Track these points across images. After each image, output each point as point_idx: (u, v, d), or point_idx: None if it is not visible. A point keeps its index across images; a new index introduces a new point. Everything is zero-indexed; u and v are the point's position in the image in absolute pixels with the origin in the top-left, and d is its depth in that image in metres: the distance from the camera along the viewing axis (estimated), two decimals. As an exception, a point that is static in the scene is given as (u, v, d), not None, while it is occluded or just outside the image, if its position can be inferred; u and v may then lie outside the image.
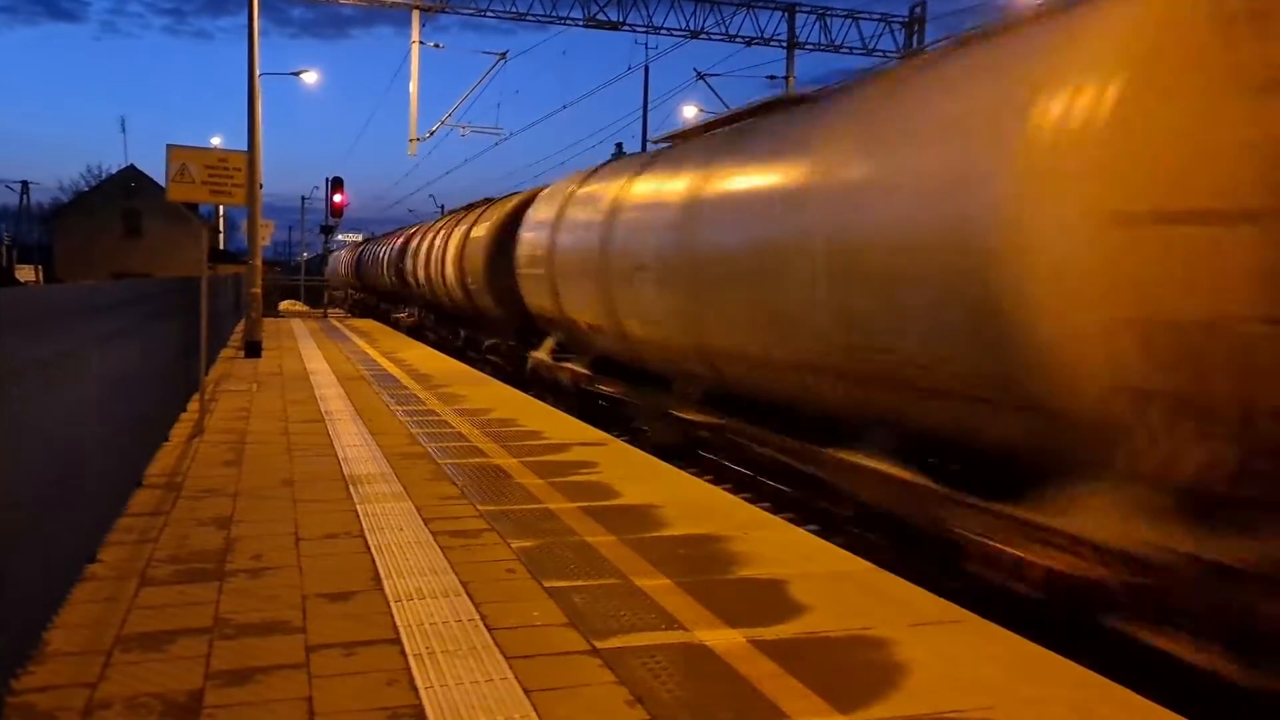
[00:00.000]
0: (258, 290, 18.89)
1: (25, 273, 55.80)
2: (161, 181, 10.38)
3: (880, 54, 27.13)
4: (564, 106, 29.75)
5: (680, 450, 10.63)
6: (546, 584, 5.00)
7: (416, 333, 28.28)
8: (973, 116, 5.85)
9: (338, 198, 29.49)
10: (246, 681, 3.76)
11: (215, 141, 41.07)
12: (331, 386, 13.36)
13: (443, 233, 24.97)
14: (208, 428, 9.63)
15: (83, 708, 3.51)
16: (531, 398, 12.89)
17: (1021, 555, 5.38)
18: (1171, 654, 4.61)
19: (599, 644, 4.21)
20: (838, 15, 27.27)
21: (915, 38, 26.91)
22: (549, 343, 15.33)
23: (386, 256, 37.94)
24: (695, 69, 28.52)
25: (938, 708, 3.66)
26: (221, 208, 47.44)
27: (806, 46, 27.22)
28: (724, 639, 4.28)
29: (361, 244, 57.15)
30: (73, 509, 4.81)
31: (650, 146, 30.30)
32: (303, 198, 55.30)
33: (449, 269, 22.68)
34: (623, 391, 12.51)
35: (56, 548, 4.47)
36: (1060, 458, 5.37)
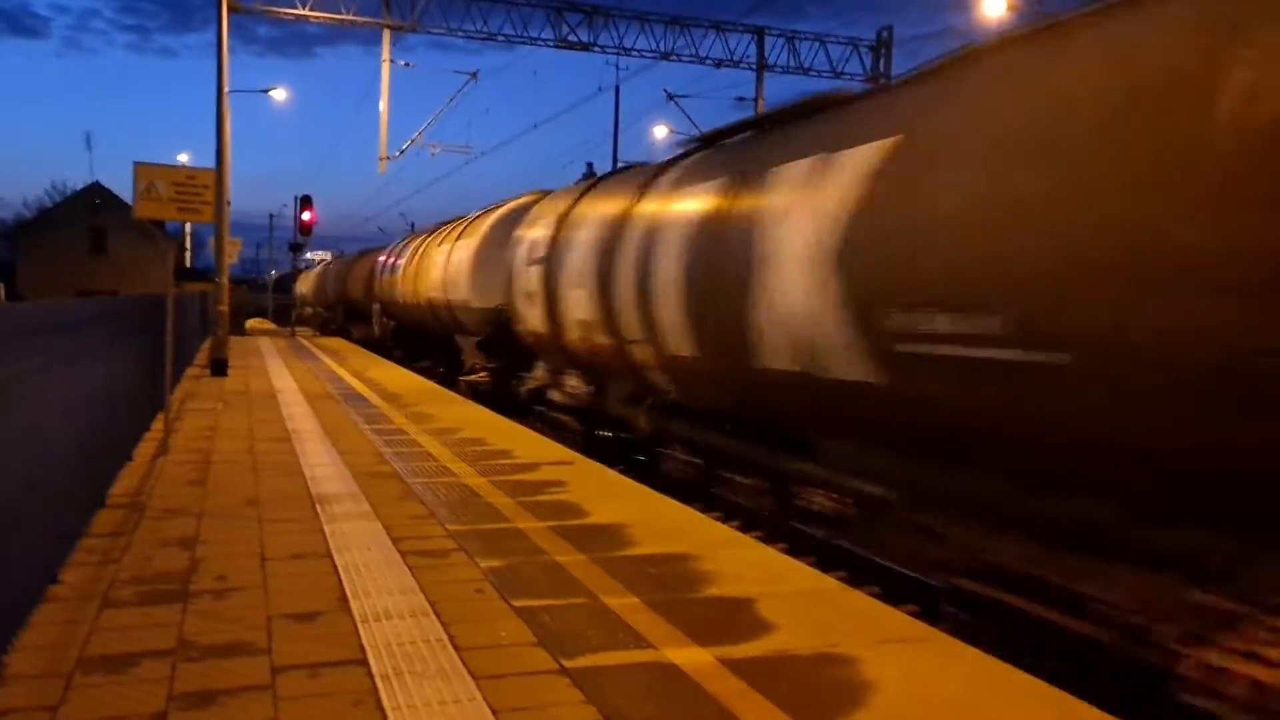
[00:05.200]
0: (224, 308, 18.74)
1: (-13, 290, 54.94)
2: (128, 198, 10.30)
3: (848, 77, 27.44)
4: (534, 126, 29.74)
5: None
6: (515, 603, 4.99)
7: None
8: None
9: (306, 215, 29.33)
10: (210, 704, 3.72)
11: (183, 158, 40.77)
12: (299, 405, 13.25)
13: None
14: (172, 447, 9.52)
15: (42, 731, 3.46)
16: (500, 416, 12.84)
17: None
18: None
19: (568, 663, 4.20)
20: (806, 38, 27.55)
21: (882, 61, 27.26)
22: None
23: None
24: (665, 90, 28.69)
25: (904, 725, 3.68)
26: (188, 225, 47.05)
27: (775, 69, 27.45)
28: (693, 657, 4.29)
29: (340, 258, 51.14)
30: (33, 529, 4.74)
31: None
32: (271, 215, 54.78)
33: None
34: None
35: (16, 568, 4.40)
36: None
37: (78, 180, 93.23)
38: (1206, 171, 4.26)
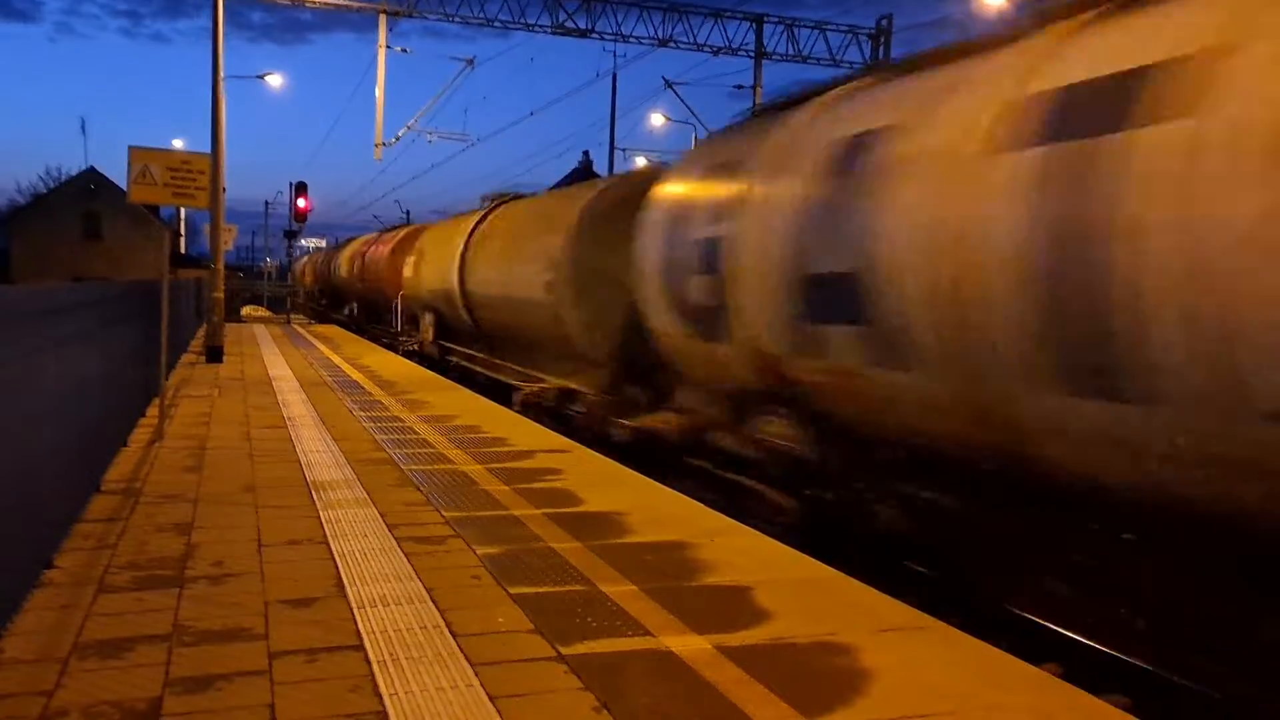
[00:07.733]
0: (220, 295, 18.66)
1: (-20, 275, 54.65)
2: (122, 184, 10.23)
3: (847, 65, 27.37)
4: (531, 113, 29.54)
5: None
6: (512, 590, 4.97)
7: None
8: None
9: (302, 202, 29.27)
10: (207, 688, 3.70)
11: (177, 144, 40.44)
12: (294, 392, 13.22)
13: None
14: (167, 433, 9.49)
15: (38, 716, 3.44)
16: (495, 404, 12.83)
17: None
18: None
19: (565, 650, 4.19)
20: (805, 26, 27.46)
21: (881, 49, 27.19)
22: None
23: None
24: (663, 77, 28.61)
25: (902, 713, 3.68)
26: (183, 211, 46.79)
27: (774, 57, 27.38)
28: (690, 645, 4.28)
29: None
30: (29, 515, 4.71)
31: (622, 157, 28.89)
32: (266, 202, 54.39)
33: None
34: None
35: (11, 554, 4.37)
36: None
37: (72, 165, 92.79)
38: None
